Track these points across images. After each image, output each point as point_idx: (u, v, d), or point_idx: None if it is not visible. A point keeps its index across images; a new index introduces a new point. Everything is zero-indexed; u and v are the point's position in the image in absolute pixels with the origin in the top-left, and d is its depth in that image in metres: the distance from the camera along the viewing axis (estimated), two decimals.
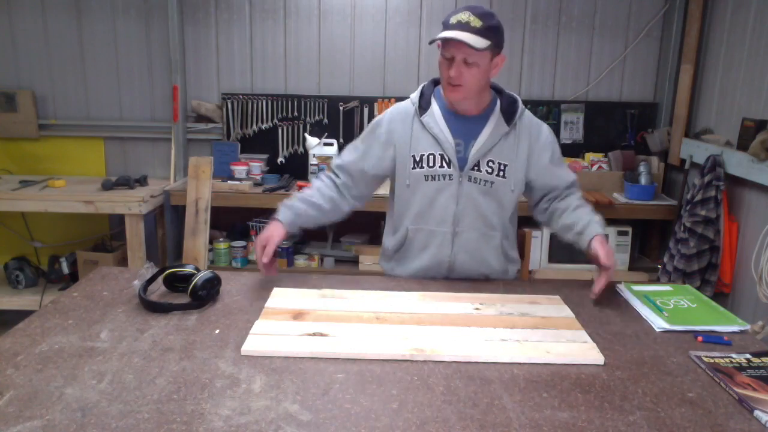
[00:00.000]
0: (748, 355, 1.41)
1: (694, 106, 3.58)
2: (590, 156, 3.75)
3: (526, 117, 1.87)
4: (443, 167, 1.80)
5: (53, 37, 3.79)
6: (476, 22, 1.64)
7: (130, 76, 3.86)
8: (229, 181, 3.54)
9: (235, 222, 3.85)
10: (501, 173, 1.81)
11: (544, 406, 1.18)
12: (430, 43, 1.71)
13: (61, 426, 1.07)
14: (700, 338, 1.52)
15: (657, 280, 3.33)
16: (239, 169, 3.61)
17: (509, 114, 1.82)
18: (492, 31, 1.67)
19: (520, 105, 1.86)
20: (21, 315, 1.57)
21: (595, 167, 3.70)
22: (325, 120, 3.83)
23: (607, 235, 1.95)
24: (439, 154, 1.80)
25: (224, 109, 3.83)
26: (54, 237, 3.97)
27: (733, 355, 1.41)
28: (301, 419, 1.11)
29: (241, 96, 3.82)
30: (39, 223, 3.93)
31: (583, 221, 1.80)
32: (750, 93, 3.03)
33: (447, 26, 1.68)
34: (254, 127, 3.85)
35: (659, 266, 3.38)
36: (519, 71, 3.84)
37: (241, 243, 3.66)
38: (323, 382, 1.25)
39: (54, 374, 1.25)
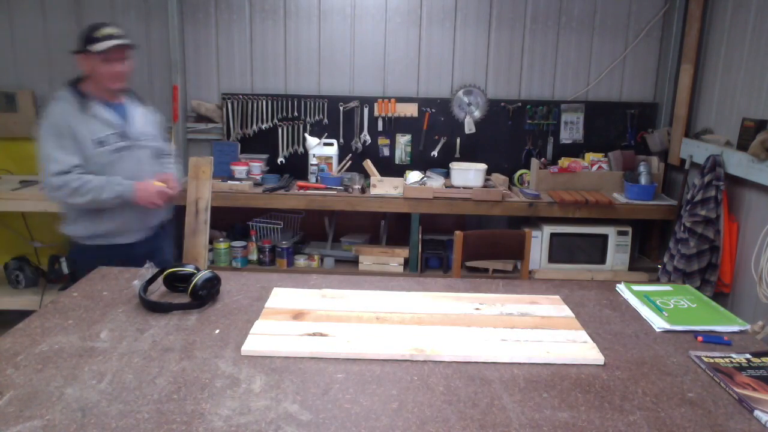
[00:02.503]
0: (748, 355, 1.41)
1: (694, 106, 3.58)
2: (590, 156, 3.75)
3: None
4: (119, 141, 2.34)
5: (53, 37, 3.79)
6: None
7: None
8: (229, 181, 3.54)
9: (235, 222, 3.85)
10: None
11: (544, 406, 1.19)
12: (99, 52, 2.32)
13: (61, 426, 1.07)
14: (700, 338, 1.52)
15: (657, 280, 3.33)
16: (239, 169, 3.61)
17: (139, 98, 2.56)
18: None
19: None
20: (21, 315, 1.57)
21: (595, 167, 3.69)
22: (325, 120, 3.83)
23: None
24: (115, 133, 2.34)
25: (224, 109, 3.83)
26: (54, 237, 3.97)
27: (733, 355, 1.41)
28: (301, 419, 1.11)
29: (241, 96, 3.82)
30: (39, 223, 3.93)
31: None
32: (750, 93, 3.03)
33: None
34: (254, 127, 3.85)
35: (659, 266, 3.38)
36: (519, 71, 3.84)
37: (241, 243, 3.65)
38: (323, 382, 1.25)
39: (54, 374, 1.25)
